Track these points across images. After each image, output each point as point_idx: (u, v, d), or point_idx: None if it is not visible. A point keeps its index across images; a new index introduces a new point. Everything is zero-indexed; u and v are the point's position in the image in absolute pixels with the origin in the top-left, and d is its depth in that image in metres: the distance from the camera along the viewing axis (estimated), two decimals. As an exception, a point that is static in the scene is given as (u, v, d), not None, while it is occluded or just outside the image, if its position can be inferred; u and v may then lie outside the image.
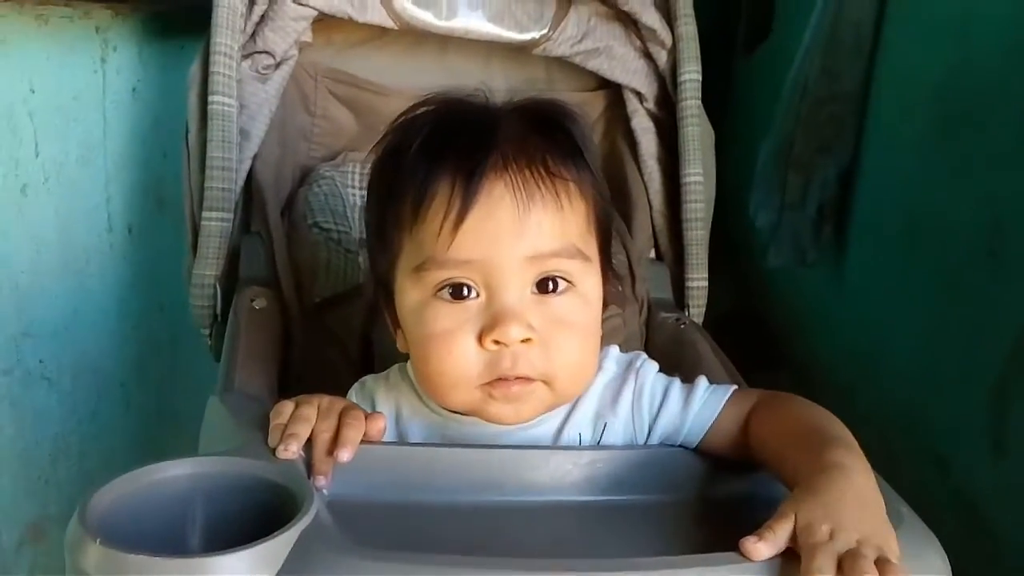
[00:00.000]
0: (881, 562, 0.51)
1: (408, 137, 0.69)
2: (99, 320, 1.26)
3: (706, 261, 1.08)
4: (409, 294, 0.68)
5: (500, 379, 0.64)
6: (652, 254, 1.13)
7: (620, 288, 0.96)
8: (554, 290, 0.66)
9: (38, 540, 1.22)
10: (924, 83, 1.21)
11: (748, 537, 0.52)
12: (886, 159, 1.40)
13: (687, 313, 1.07)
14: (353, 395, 0.76)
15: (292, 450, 0.60)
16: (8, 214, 1.06)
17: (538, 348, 0.65)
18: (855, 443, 0.62)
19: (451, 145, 0.66)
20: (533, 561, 0.51)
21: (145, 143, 1.28)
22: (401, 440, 0.72)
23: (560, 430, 0.71)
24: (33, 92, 1.06)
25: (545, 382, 0.66)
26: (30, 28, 1.05)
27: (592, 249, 0.69)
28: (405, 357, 0.78)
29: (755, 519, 0.54)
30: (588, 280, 0.68)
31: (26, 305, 1.11)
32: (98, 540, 0.46)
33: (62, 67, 1.11)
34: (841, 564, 0.50)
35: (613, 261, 1.03)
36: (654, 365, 0.75)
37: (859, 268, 1.47)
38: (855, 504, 0.55)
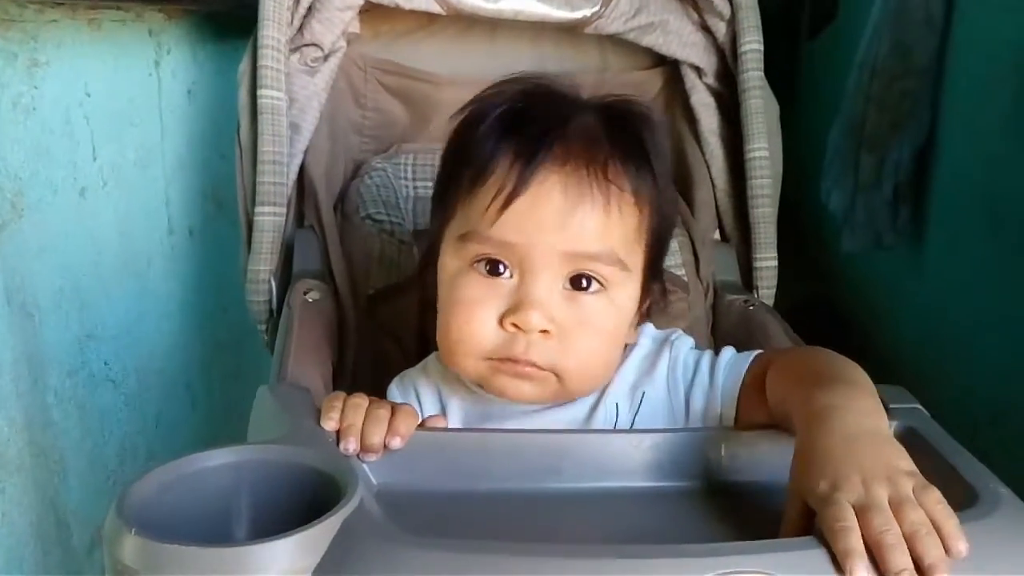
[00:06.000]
0: (897, 502, 0.49)
1: (488, 109, 0.70)
2: (162, 322, 1.26)
3: (774, 240, 1.03)
4: (449, 260, 0.69)
5: (510, 359, 0.65)
6: (717, 235, 1.08)
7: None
8: (586, 288, 0.66)
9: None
10: (1003, 54, 1.14)
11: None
12: (964, 135, 1.33)
13: (756, 295, 1.02)
14: (394, 387, 0.77)
15: (351, 448, 0.58)
16: (68, 217, 1.06)
17: (555, 341, 0.65)
18: (858, 380, 0.60)
19: (522, 127, 0.67)
20: (592, 548, 0.48)
21: (202, 145, 1.28)
22: (444, 416, 0.73)
23: (596, 403, 0.71)
24: (89, 96, 1.07)
25: (555, 375, 0.66)
26: (83, 32, 1.05)
27: (635, 260, 0.69)
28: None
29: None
30: (623, 289, 0.68)
31: (89, 307, 1.11)
32: (133, 530, 0.44)
33: (116, 70, 1.11)
34: (858, 517, 0.48)
35: (676, 240, 1.00)
36: (688, 339, 0.76)
37: (939, 251, 1.41)
38: (845, 445, 0.53)
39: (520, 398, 0.68)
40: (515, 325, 0.65)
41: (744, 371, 0.69)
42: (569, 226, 0.65)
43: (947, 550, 0.47)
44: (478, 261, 0.67)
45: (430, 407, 0.75)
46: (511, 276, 0.66)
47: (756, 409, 0.67)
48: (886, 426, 0.57)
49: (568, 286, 0.66)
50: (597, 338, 0.67)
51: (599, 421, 0.71)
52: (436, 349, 0.92)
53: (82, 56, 1.06)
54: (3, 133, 0.97)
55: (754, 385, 0.68)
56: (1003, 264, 1.16)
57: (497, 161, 0.66)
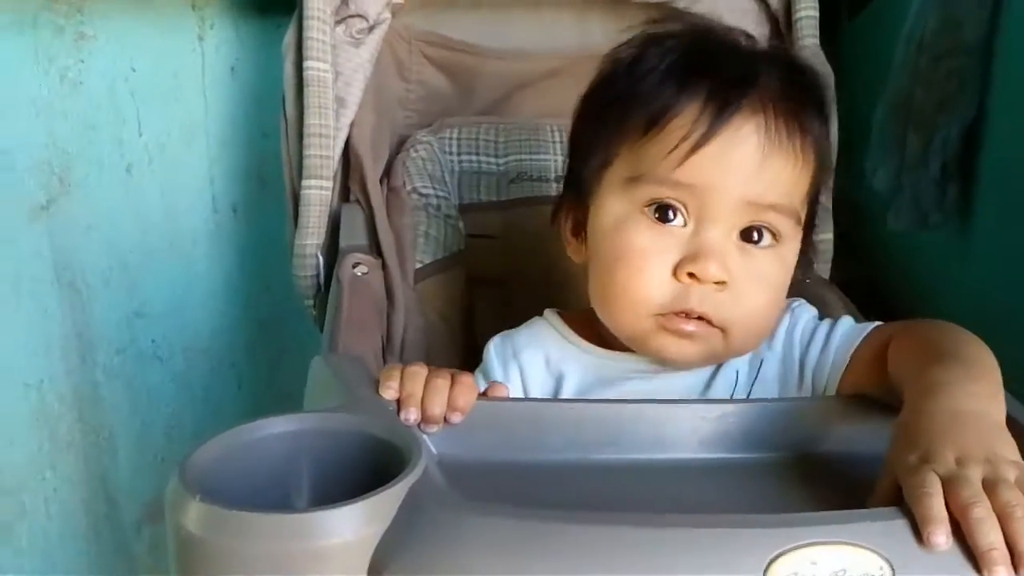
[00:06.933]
0: (992, 482, 0.45)
1: (654, 52, 0.67)
2: (208, 300, 1.27)
3: (830, 213, 1.01)
4: (612, 205, 0.67)
5: (679, 313, 0.63)
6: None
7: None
8: (757, 242, 0.65)
9: (157, 518, 1.23)
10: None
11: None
12: (1014, 113, 1.30)
13: (812, 269, 1.00)
14: (492, 349, 0.75)
15: (412, 418, 0.57)
16: (114, 194, 1.06)
17: (729, 294, 0.64)
18: (979, 360, 0.57)
19: (709, 72, 0.65)
20: (658, 517, 0.46)
21: (246, 122, 1.27)
22: (557, 382, 0.71)
23: (716, 370, 0.69)
24: (134, 71, 1.06)
25: (723, 330, 0.64)
26: (128, 4, 1.05)
27: (803, 214, 0.68)
28: (508, 321, 0.77)
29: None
30: (792, 243, 0.67)
31: (137, 285, 1.12)
32: (198, 496, 0.44)
33: (161, 45, 1.10)
34: (946, 490, 0.45)
35: None
36: (811, 309, 0.74)
37: (987, 231, 1.38)
38: (947, 422, 0.50)
39: (681, 358, 0.66)
40: (691, 275, 0.63)
41: (859, 341, 0.67)
42: (762, 174, 0.63)
43: None
44: (648, 206, 0.65)
45: (535, 373, 0.72)
46: (684, 224, 0.64)
47: (864, 380, 0.65)
48: (998, 412, 0.53)
49: (739, 238, 0.65)
50: (767, 293, 0.66)
51: (719, 388, 0.69)
52: (479, 323, 0.91)
53: (127, 30, 1.06)
54: (51, 107, 0.97)
55: (869, 356, 0.65)
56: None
57: (683, 104, 0.63)
